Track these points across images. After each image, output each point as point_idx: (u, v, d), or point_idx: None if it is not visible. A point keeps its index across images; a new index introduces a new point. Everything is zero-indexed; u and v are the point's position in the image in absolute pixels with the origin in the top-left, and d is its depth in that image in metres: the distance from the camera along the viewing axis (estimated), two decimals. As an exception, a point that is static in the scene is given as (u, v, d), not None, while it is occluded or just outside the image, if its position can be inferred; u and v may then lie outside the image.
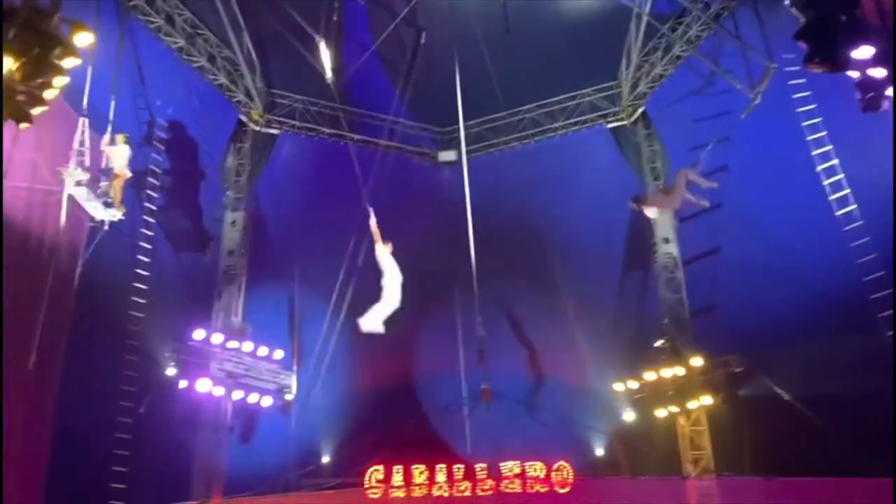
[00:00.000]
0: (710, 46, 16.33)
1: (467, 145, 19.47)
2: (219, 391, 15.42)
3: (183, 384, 15.05)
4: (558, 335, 17.61)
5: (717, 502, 15.34)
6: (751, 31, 14.81)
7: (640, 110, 18.52)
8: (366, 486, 14.54)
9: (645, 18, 16.56)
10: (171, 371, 15.03)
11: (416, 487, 14.69)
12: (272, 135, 18.80)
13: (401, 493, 14.61)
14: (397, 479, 14.69)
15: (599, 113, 19.03)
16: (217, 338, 15.65)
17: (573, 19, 17.04)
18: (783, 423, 14.75)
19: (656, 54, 17.46)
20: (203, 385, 15.13)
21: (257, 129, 18.53)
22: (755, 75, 14.86)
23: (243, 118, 18.41)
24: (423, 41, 17.77)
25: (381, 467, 14.77)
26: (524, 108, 19.38)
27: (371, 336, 18.31)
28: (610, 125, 18.97)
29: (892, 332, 13.19)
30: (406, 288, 18.75)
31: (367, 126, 19.42)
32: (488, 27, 16.85)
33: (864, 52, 9.45)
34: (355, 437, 17.65)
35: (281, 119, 18.85)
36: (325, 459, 17.70)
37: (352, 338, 18.00)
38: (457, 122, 16.85)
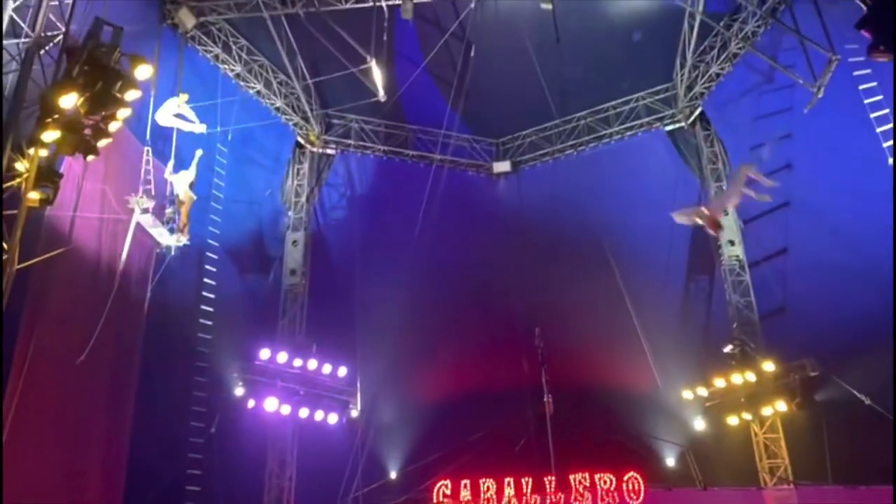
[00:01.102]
0: (768, 42, 15.87)
1: (521, 155, 19.51)
2: (286, 409, 15.68)
3: (251, 403, 15.37)
4: (623, 343, 17.26)
5: (799, 512, 14.72)
6: (810, 24, 14.31)
7: (698, 111, 18.11)
8: (434, 501, 14.49)
9: (699, 17, 16.20)
10: (239, 391, 15.36)
11: (485, 501, 14.55)
12: (329, 154, 19.14)
13: (469, 508, 14.50)
14: (465, 493, 14.59)
15: (656, 116, 18.68)
16: (282, 357, 15.93)
17: (624, 22, 16.82)
18: (864, 429, 14.11)
19: (712, 53, 17.04)
20: (270, 404, 15.42)
21: (314, 150, 18.89)
22: (817, 69, 14.35)
23: (301, 140, 18.79)
24: (472, 54, 17.81)
25: (448, 482, 14.69)
26: (578, 114, 19.18)
27: (434, 350, 18.45)
28: (667, 128, 18.61)
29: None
30: (466, 300, 18.81)
31: (421, 141, 19.56)
32: (538, 37, 16.77)
33: (931, 37, 9.06)
34: (421, 453, 17.64)
35: (337, 139, 19.17)
36: (393, 475, 17.76)
37: (415, 353, 18.16)
38: (510, 132, 16.78)
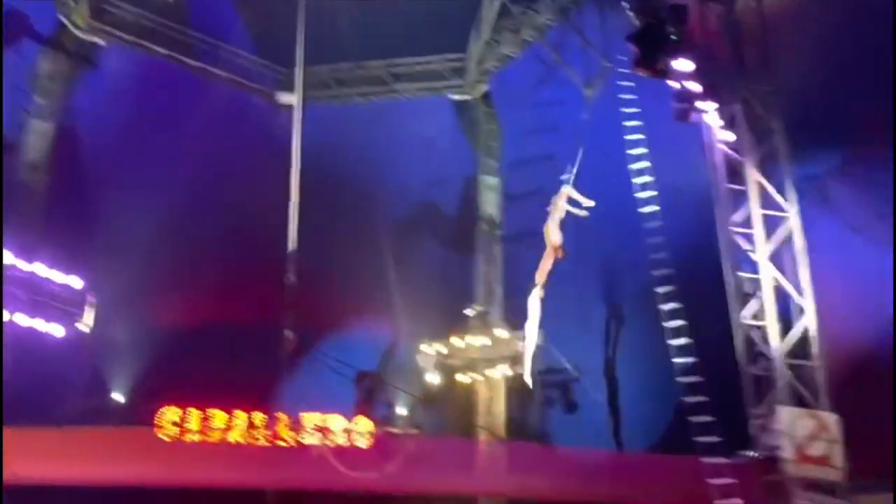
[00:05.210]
0: (557, 38, 16.93)
1: (311, 90, 19.04)
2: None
3: (-40, 302, 13.58)
4: (376, 293, 17.79)
5: (504, 465, 16.31)
6: (594, 29, 15.50)
7: (485, 88, 18.85)
8: (156, 425, 13.93)
9: (499, -4, 16.86)
10: (-57, 286, 13.46)
11: (212, 432, 14.27)
12: (96, 44, 17.21)
13: (195, 438, 14.12)
14: (192, 422, 14.21)
15: (445, 83, 19.08)
16: (6, 255, 14.21)
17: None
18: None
19: (505, 34, 17.84)
20: (-19, 306, 13.73)
21: (79, 34, 16.88)
22: (593, 72, 15.60)
23: (63, 19, 16.68)
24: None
25: (176, 409, 14.22)
26: (372, 63, 19.05)
27: (185, 274, 17.59)
28: (454, 96, 19.17)
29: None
30: (228, 226, 18.16)
31: (204, 52, 18.29)
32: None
33: (683, 64, 10.37)
34: (153, 377, 16.90)
35: (108, 29, 17.26)
36: (118, 396, 16.83)
37: (163, 273, 17.24)
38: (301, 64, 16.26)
